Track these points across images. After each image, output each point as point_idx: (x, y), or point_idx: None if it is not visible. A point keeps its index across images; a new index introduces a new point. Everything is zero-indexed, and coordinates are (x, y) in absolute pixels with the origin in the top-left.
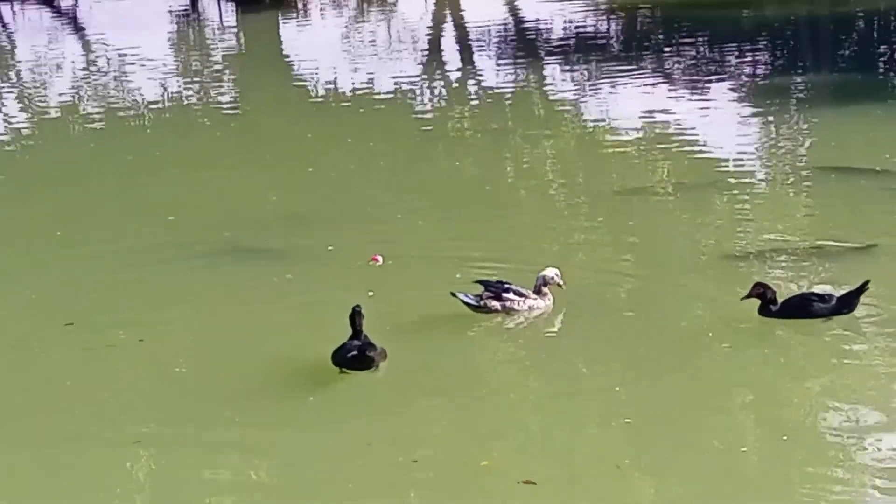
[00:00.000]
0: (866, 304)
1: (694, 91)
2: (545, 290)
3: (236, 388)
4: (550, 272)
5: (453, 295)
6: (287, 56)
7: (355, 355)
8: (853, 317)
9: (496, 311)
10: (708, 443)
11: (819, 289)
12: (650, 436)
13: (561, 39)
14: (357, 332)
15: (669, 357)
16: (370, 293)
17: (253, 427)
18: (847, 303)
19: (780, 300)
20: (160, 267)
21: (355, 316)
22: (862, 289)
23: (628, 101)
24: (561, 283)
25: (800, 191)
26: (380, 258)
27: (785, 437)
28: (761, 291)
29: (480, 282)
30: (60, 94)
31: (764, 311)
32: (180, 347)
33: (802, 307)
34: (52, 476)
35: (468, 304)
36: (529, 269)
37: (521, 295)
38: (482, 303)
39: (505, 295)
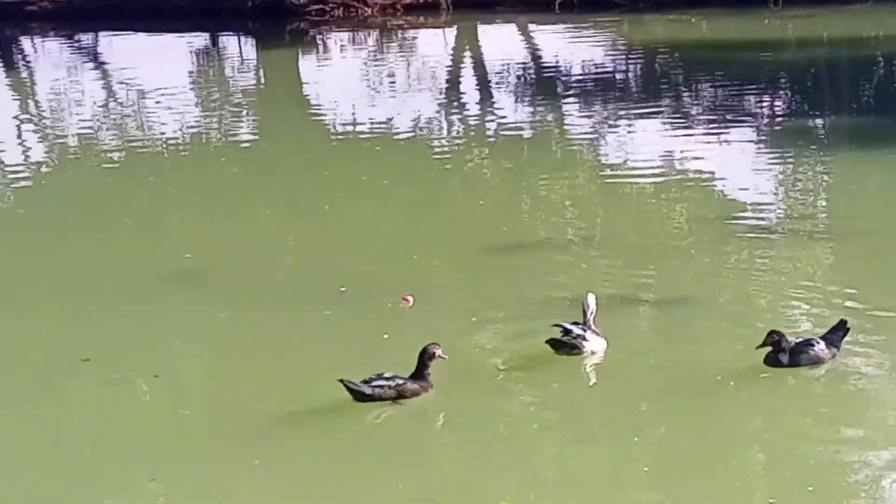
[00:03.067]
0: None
1: (712, 133)
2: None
3: (254, 427)
4: (592, 301)
5: (553, 343)
6: (306, 93)
7: (349, 388)
8: (844, 360)
9: (584, 351)
10: (733, 493)
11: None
12: (670, 485)
13: (579, 79)
14: (419, 369)
15: (689, 405)
16: (385, 336)
17: (271, 467)
18: (836, 344)
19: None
20: (178, 303)
21: (424, 354)
22: (844, 329)
23: (646, 142)
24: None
25: (819, 235)
26: (410, 299)
27: (811, 488)
28: (776, 339)
29: (558, 325)
30: (79, 129)
31: (770, 360)
32: (197, 384)
33: (808, 354)
34: None
35: (564, 344)
36: (545, 311)
37: (596, 334)
38: (574, 341)
39: (588, 334)
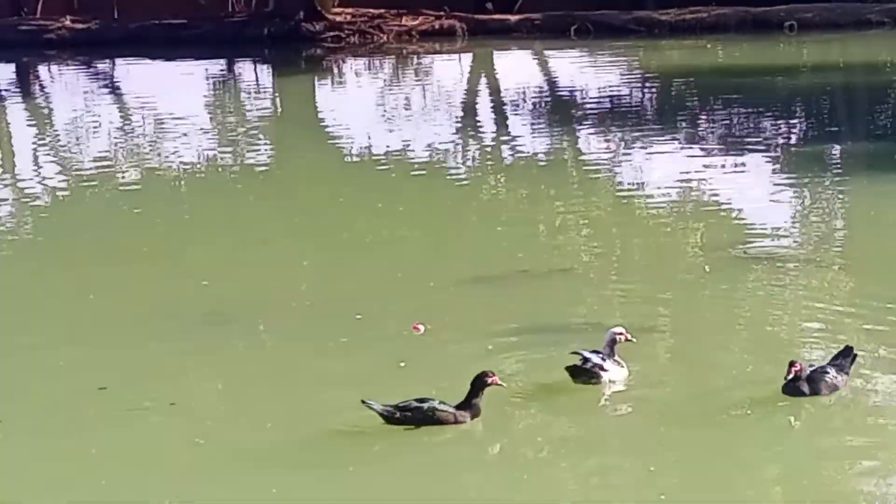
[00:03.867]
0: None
1: (728, 159)
2: (616, 355)
3: (270, 456)
4: (620, 332)
5: (571, 370)
6: (322, 119)
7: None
8: (861, 388)
9: (602, 380)
10: None
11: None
12: None
13: (595, 105)
14: (468, 397)
15: (706, 433)
16: (401, 363)
17: (288, 497)
18: (845, 370)
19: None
20: (194, 330)
21: (477, 382)
22: (851, 355)
23: (662, 169)
24: (631, 338)
25: (836, 262)
26: (421, 327)
27: None
28: (799, 369)
29: (576, 353)
30: (96, 156)
31: (790, 389)
32: (213, 413)
33: (826, 381)
34: None
35: (583, 372)
36: (562, 338)
37: (617, 363)
38: (593, 370)
39: (607, 364)
